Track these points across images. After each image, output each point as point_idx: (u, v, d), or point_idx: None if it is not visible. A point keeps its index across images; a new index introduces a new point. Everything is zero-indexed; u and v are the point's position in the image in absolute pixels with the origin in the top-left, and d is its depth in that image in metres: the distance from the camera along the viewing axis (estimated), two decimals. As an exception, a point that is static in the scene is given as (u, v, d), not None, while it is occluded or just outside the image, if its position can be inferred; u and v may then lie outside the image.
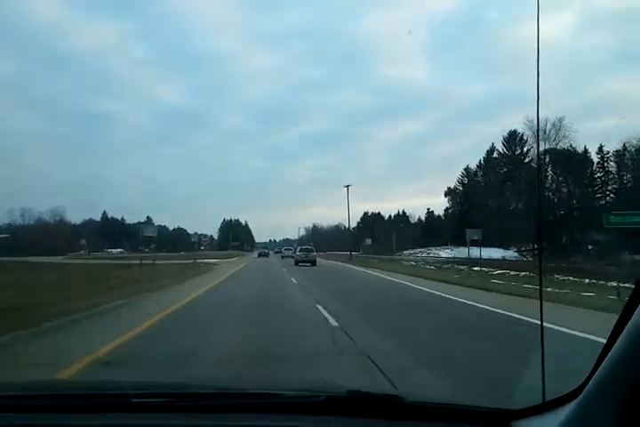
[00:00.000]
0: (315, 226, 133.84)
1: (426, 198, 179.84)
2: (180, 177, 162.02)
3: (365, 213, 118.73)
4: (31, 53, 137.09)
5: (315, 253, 39.48)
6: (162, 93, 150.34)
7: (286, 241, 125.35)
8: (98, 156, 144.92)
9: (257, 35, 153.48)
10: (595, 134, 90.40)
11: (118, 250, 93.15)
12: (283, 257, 60.05)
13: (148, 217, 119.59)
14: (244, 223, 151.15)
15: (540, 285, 2.26)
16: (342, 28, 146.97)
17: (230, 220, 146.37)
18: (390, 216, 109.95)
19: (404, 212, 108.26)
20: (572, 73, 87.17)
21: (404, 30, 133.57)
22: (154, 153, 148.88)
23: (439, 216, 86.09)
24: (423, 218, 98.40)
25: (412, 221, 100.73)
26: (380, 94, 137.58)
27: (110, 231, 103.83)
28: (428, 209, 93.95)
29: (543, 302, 1.81)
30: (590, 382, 1.02)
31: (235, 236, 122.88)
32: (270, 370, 4.95)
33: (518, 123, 72.52)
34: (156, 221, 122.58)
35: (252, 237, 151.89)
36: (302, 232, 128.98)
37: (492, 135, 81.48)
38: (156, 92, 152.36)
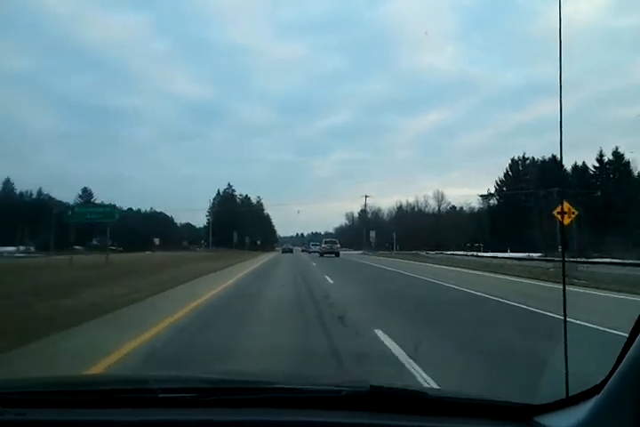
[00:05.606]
0: (363, 211, 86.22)
1: (457, 190, 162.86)
2: (197, 171, 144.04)
3: (509, 174, 63.72)
4: (46, 45, 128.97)
5: (339, 246, 44.90)
6: (173, 83, 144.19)
7: (315, 235, 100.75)
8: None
9: (278, 23, 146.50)
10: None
11: (9, 248, 53.65)
12: (310, 252, 53.56)
13: (85, 189, 71.35)
14: (255, 202, 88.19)
15: (564, 278, 2.26)
16: (367, 14, 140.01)
17: (230, 192, 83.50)
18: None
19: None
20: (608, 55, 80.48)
21: (431, 17, 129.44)
22: (171, 146, 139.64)
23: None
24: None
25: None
26: (406, 83, 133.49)
27: (20, 213, 62.03)
28: None
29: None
30: (612, 378, 1.04)
31: (237, 220, 72.13)
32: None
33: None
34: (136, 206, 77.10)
35: (274, 228, 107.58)
36: (342, 221, 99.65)
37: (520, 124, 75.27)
38: (166, 79, 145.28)
